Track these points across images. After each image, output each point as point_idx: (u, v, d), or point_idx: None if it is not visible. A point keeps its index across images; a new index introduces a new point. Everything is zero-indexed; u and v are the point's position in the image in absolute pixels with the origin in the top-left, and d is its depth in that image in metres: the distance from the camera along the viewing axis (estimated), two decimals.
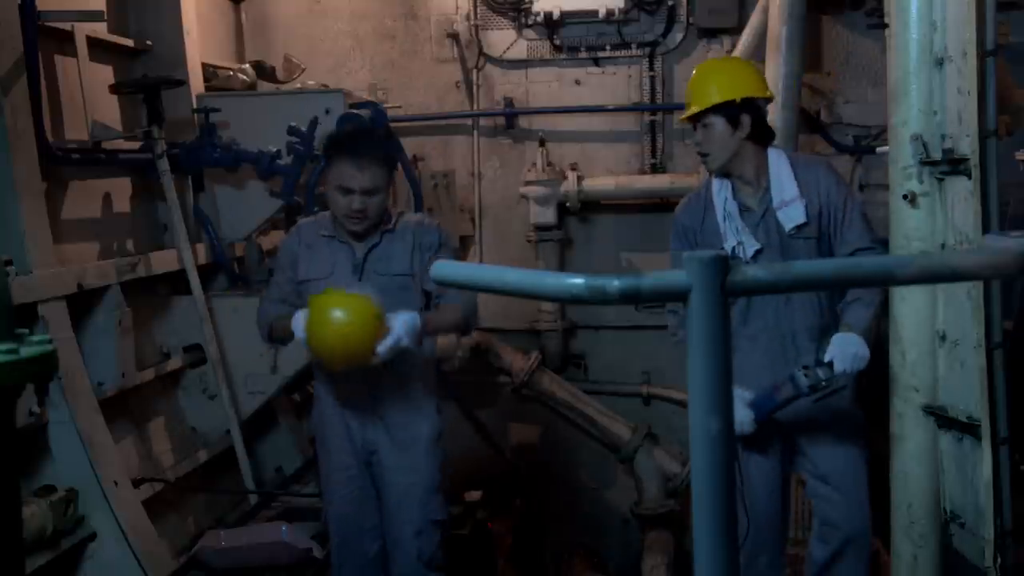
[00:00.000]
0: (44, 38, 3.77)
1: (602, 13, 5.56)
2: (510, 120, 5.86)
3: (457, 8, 5.85)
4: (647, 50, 5.70)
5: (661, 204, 5.60)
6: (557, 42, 5.77)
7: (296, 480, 4.77)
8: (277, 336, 3.40)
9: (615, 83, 5.79)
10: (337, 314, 2.99)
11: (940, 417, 2.79)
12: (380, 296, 3.07)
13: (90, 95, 4.09)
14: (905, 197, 2.77)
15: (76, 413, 3.47)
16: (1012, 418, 2.61)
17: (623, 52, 5.73)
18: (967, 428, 2.67)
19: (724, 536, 1.20)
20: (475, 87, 5.89)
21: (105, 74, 4.36)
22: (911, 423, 2.88)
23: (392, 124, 5.06)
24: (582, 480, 5.98)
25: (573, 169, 5.69)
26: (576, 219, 5.86)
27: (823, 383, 3.03)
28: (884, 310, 3.07)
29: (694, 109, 3.19)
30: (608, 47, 5.72)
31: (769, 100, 3.30)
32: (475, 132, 5.94)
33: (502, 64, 5.87)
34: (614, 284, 1.19)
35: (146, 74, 4.45)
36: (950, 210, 2.69)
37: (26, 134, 3.48)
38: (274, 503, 4.47)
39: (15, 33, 3.49)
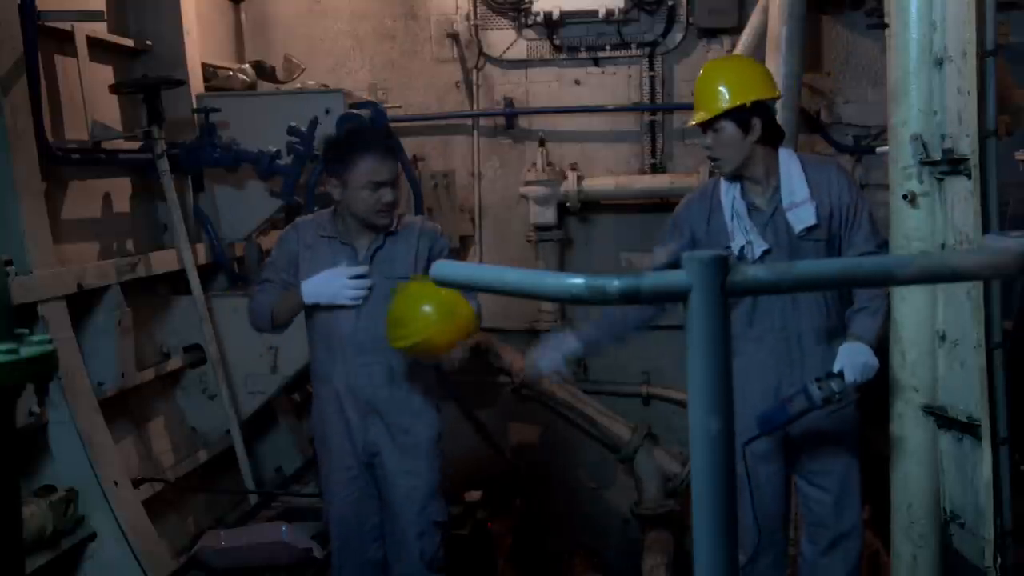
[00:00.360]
0: (44, 38, 3.76)
1: (602, 13, 5.56)
2: (510, 120, 5.86)
3: (457, 8, 5.85)
4: (647, 50, 5.69)
5: (661, 204, 5.59)
6: (557, 42, 5.76)
7: (296, 480, 4.78)
8: (281, 318, 3.37)
9: (615, 83, 5.79)
10: (463, 310, 3.12)
11: (940, 417, 2.79)
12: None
13: (90, 95, 4.09)
14: (905, 197, 2.78)
15: (76, 413, 3.46)
16: (1012, 418, 2.61)
17: (623, 52, 5.72)
18: (967, 428, 2.67)
19: (724, 536, 1.20)
20: (475, 87, 5.88)
21: (105, 74, 4.36)
22: (911, 423, 2.88)
23: (392, 124, 5.06)
24: (582, 480, 5.97)
25: (573, 169, 5.69)
26: (576, 219, 5.86)
27: (837, 395, 2.98)
28: (887, 309, 3.06)
29: (703, 116, 3.13)
30: (608, 47, 5.72)
31: (777, 99, 3.27)
32: (475, 132, 5.94)
33: (502, 64, 5.87)
34: (614, 284, 1.19)
35: (146, 74, 4.44)
36: (950, 210, 2.69)
37: (26, 134, 3.48)
38: (274, 503, 4.47)
39: (15, 33, 3.49)
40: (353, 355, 3.32)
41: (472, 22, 5.82)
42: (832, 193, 3.15)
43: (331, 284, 3.25)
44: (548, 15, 5.59)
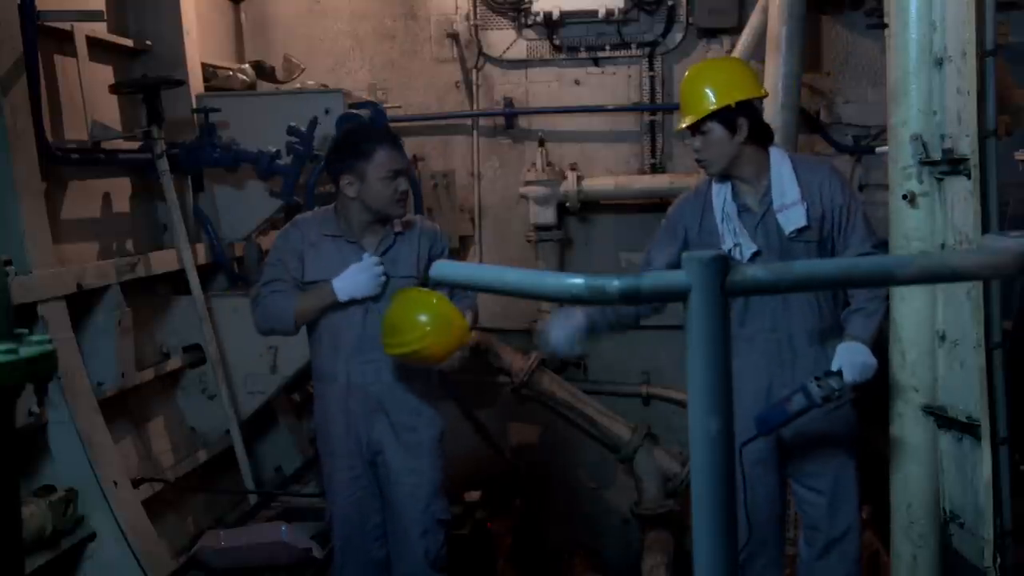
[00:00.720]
0: (44, 38, 3.76)
1: (602, 13, 5.56)
2: (510, 120, 5.86)
3: (457, 8, 5.85)
4: (647, 50, 5.69)
5: (661, 204, 5.58)
6: (557, 42, 5.76)
7: (296, 480, 4.78)
8: (306, 319, 3.35)
9: (615, 83, 5.79)
10: (459, 321, 3.18)
11: (940, 417, 2.79)
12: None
13: (90, 95, 4.09)
14: (905, 197, 2.78)
15: (76, 413, 3.46)
16: (1012, 418, 2.61)
17: (623, 52, 5.72)
18: (967, 428, 2.67)
19: (724, 536, 1.20)
20: (475, 87, 5.88)
21: (105, 74, 4.36)
22: (911, 423, 2.88)
23: (392, 124, 5.06)
24: (582, 480, 5.97)
25: (573, 169, 5.69)
26: (576, 219, 5.85)
27: (836, 393, 2.95)
28: (884, 312, 3.06)
29: (690, 119, 3.14)
30: (608, 47, 5.72)
31: (764, 97, 3.27)
32: (475, 132, 5.93)
33: (502, 64, 5.87)
34: (614, 284, 1.19)
35: (146, 74, 4.44)
36: (950, 210, 2.69)
37: (26, 134, 3.48)
38: (274, 503, 4.46)
39: (15, 33, 3.48)
40: (361, 352, 3.32)
41: (472, 22, 5.82)
42: (824, 195, 3.13)
43: (360, 279, 3.26)
44: (548, 15, 5.59)
